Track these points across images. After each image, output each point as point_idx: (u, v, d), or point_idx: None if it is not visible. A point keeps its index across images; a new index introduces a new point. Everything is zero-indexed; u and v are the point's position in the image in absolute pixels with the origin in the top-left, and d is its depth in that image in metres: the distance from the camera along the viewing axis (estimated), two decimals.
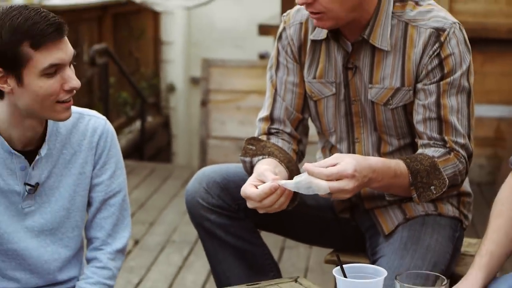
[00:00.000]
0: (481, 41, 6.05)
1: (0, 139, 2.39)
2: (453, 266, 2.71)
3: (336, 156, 2.36)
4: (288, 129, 2.78)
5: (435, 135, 2.57)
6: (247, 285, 2.48)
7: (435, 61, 2.55)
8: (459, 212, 2.76)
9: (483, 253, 2.32)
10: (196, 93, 9.45)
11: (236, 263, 2.80)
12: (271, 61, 2.82)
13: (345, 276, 2.08)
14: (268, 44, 7.92)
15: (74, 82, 2.32)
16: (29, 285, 2.52)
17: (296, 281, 2.48)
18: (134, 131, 9.44)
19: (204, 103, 7.06)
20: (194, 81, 10.20)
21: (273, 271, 2.86)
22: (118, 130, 9.00)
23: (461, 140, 2.57)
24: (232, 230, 2.76)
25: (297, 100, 2.78)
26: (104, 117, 2.58)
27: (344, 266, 2.10)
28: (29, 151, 2.43)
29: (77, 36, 8.15)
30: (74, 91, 2.34)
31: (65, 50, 2.30)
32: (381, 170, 2.42)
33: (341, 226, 2.86)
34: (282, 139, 2.76)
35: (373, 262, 2.64)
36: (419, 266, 2.54)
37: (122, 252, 2.61)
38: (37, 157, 2.43)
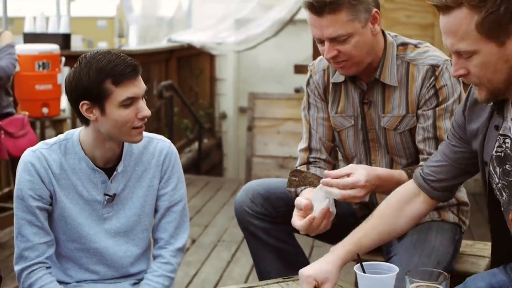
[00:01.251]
0: None
1: (86, 158, 2.43)
2: (453, 264, 2.66)
3: (351, 167, 2.42)
4: (324, 156, 2.80)
5: (432, 151, 2.57)
6: (283, 278, 2.45)
7: (431, 91, 2.58)
8: (458, 219, 2.73)
9: (353, 240, 2.25)
10: (243, 120, 9.45)
11: (276, 261, 2.79)
12: (304, 103, 2.84)
13: (364, 272, 2.06)
14: (302, 80, 7.82)
15: (146, 111, 2.36)
16: (107, 277, 2.55)
17: None
18: (193, 151, 9.46)
19: (250, 128, 7.05)
20: (242, 110, 10.21)
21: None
22: (180, 150, 9.03)
23: None
24: (272, 233, 2.76)
25: (328, 131, 2.80)
26: (169, 141, 2.60)
27: (363, 263, 2.08)
28: (108, 168, 2.47)
29: (149, 75, 8.20)
30: (146, 119, 2.38)
31: (139, 86, 2.34)
32: (386, 178, 2.47)
33: None
34: (319, 167, 2.78)
35: (387, 260, 2.61)
36: (425, 263, 2.51)
37: (182, 250, 2.61)
38: (115, 172, 2.47)
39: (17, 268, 2.45)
